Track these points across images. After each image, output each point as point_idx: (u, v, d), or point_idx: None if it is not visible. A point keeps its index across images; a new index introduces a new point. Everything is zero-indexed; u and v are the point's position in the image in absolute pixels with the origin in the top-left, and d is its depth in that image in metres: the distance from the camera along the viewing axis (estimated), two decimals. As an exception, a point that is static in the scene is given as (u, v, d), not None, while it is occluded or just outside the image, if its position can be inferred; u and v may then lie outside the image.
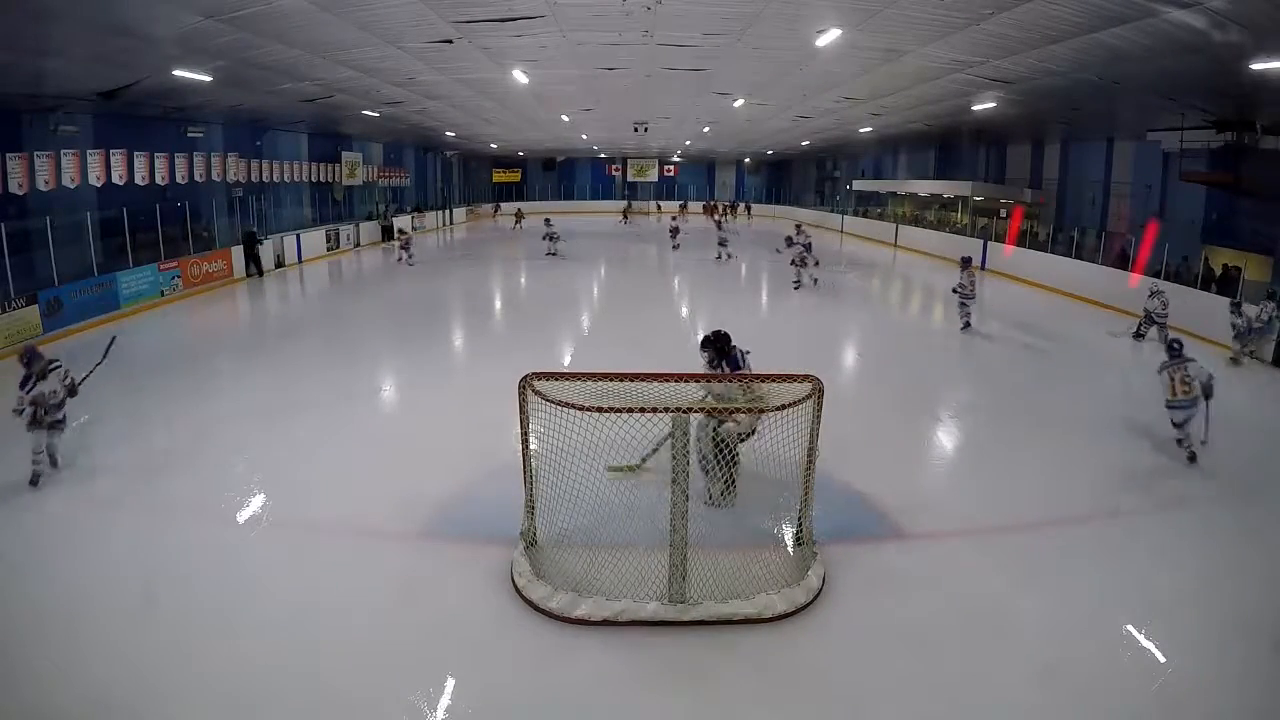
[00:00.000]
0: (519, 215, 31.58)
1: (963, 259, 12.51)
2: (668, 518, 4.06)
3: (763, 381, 4.28)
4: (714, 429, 4.92)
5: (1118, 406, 8.52)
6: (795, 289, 15.35)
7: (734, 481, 5.05)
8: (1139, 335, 11.53)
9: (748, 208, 39.17)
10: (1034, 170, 20.49)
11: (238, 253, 16.43)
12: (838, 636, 4.01)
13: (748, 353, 5.70)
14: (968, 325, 11.96)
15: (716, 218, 27.93)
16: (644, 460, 5.29)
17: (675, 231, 22.98)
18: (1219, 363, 10.23)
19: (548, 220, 21.90)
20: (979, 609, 4.26)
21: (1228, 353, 10.40)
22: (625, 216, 35.00)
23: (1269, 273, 12.80)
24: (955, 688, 3.62)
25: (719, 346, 5.56)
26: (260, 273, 16.84)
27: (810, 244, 15.88)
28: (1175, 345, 6.93)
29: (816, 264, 15.73)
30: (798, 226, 17.80)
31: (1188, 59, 9.00)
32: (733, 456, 4.87)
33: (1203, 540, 5.16)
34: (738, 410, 4.52)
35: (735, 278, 18.58)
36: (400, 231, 21.92)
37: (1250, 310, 10.34)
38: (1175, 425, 6.65)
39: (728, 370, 5.51)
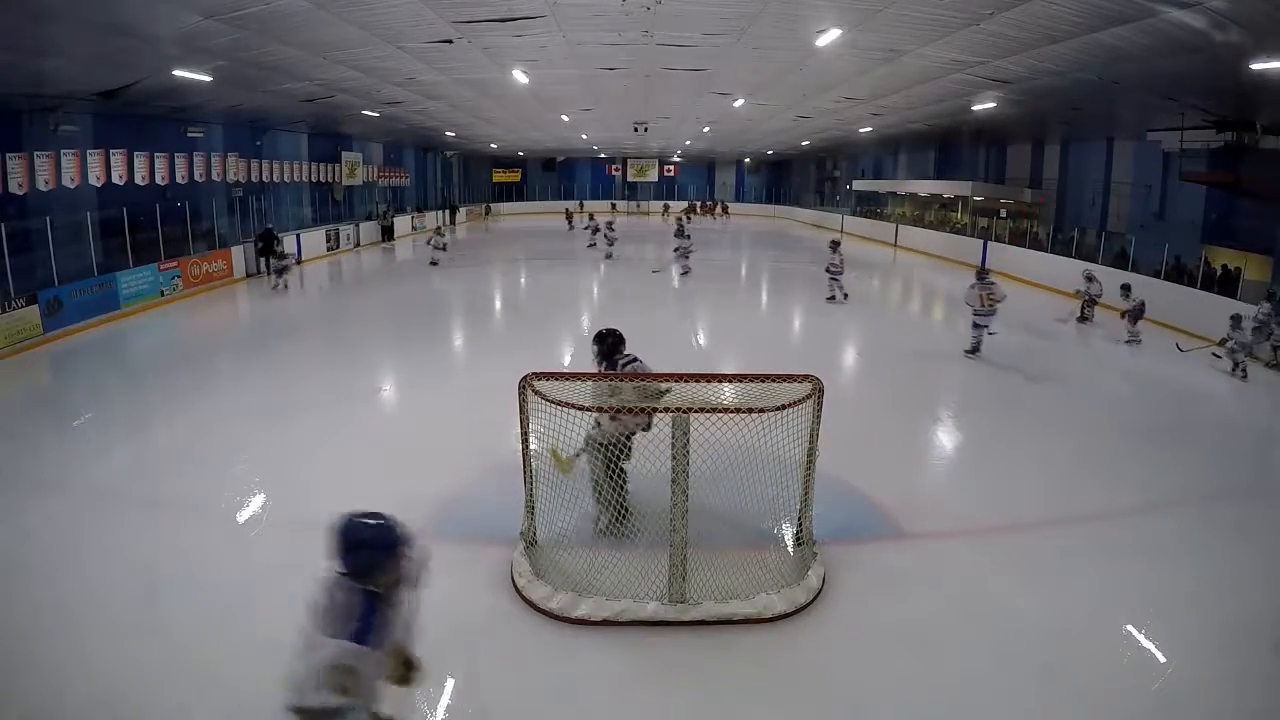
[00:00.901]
0: (569, 214, 31.60)
1: (831, 241, 14.63)
2: (668, 518, 4.06)
3: (763, 381, 4.28)
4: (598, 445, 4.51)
5: (1117, 406, 8.54)
6: (683, 274, 17.03)
7: (626, 508, 4.64)
8: (1084, 319, 12.87)
9: (719, 207, 39.48)
10: (1034, 170, 20.50)
11: (238, 253, 16.44)
12: (838, 636, 4.01)
13: (635, 360, 4.98)
14: (845, 298, 14.05)
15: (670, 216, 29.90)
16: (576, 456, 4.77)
17: (596, 230, 22.18)
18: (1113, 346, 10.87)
19: (438, 229, 20.52)
20: (979, 609, 4.26)
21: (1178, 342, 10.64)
22: (570, 220, 30.55)
23: (1269, 273, 12.81)
24: (955, 688, 3.62)
25: (604, 347, 4.97)
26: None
27: (690, 246, 17.41)
28: (983, 271, 10.19)
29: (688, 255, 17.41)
30: (680, 225, 18.61)
31: (1188, 59, 9.00)
32: (617, 475, 4.53)
33: (1203, 540, 5.16)
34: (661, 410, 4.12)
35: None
36: (280, 254, 15.80)
37: (1139, 294, 11.54)
38: (979, 328, 9.88)
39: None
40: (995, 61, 10.81)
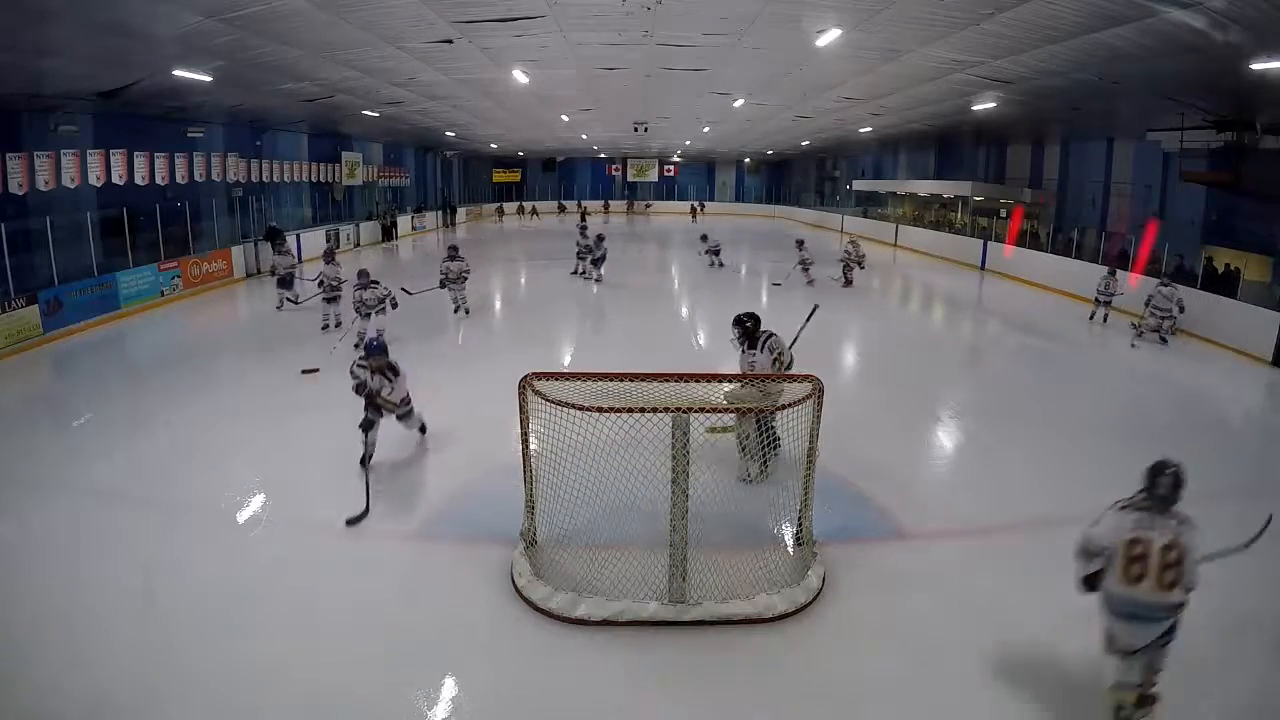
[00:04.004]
0: (583, 214, 33.59)
1: (797, 240, 16.82)
2: (668, 518, 4.06)
3: (763, 381, 4.29)
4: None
5: (1117, 406, 8.54)
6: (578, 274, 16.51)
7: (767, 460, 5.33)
8: (848, 282, 16.04)
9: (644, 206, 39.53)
10: (1034, 170, 20.49)
11: (238, 253, 16.44)
12: (838, 636, 4.01)
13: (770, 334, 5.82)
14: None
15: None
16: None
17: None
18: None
19: (274, 239, 14.53)
20: (979, 609, 4.26)
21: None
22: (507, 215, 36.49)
23: (1269, 272, 12.82)
24: (954, 688, 3.62)
25: (748, 328, 5.81)
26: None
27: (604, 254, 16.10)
28: (705, 236, 17.40)
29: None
30: (588, 229, 17.40)
31: (1188, 59, 8.99)
32: (767, 433, 5.11)
33: (1202, 540, 5.15)
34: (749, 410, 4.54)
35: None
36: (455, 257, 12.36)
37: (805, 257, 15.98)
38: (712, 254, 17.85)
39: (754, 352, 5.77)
40: (995, 61, 10.80)
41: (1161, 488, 3.13)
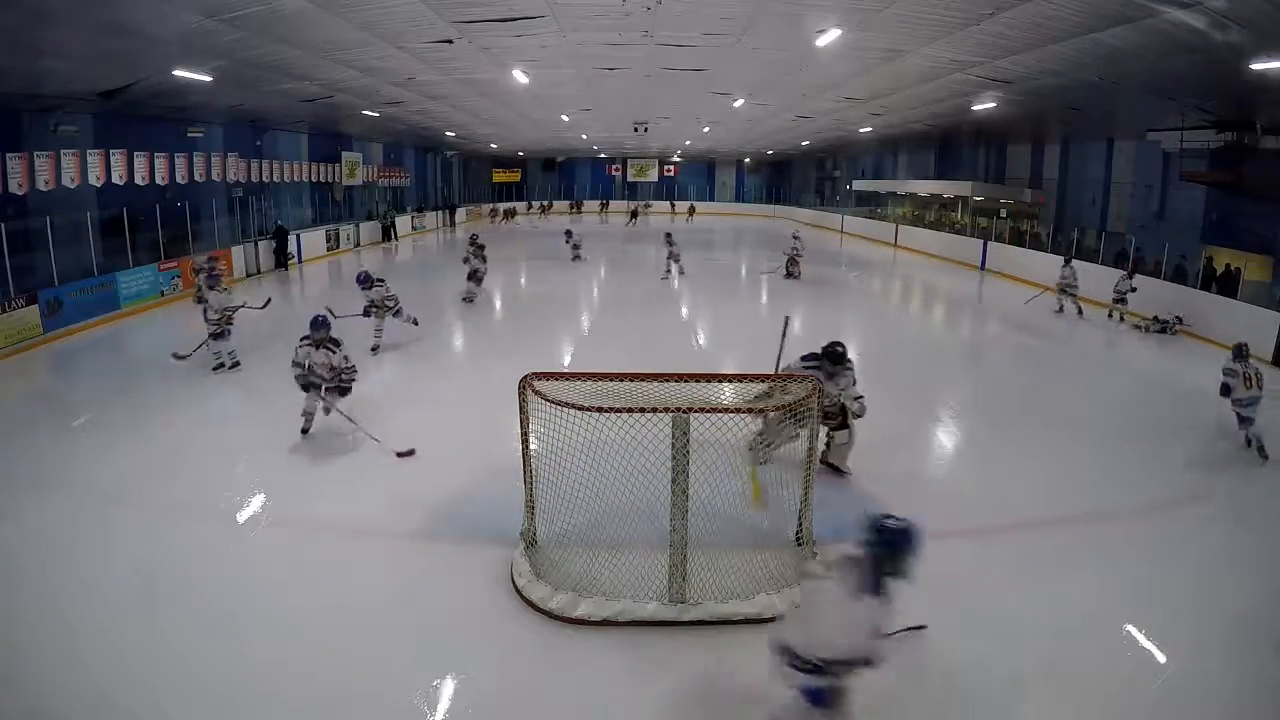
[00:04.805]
0: (634, 213, 33.84)
1: (665, 233, 17.59)
2: (668, 518, 4.06)
3: (764, 381, 4.29)
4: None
5: (1118, 406, 8.53)
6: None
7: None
8: (790, 274, 16.78)
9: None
10: (1034, 170, 20.49)
11: (238, 253, 16.48)
12: (838, 636, 4.00)
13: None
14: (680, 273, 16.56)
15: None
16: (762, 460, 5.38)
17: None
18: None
19: (209, 260, 11.05)
20: (979, 609, 4.25)
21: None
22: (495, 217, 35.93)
23: (1269, 273, 12.82)
24: (955, 688, 3.61)
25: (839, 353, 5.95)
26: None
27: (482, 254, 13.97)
28: (569, 232, 18.39)
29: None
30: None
31: (1188, 59, 9.00)
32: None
33: (1203, 539, 5.16)
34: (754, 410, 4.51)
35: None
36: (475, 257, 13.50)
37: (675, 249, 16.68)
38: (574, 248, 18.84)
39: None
40: (995, 61, 10.80)
41: (1244, 355, 6.63)
